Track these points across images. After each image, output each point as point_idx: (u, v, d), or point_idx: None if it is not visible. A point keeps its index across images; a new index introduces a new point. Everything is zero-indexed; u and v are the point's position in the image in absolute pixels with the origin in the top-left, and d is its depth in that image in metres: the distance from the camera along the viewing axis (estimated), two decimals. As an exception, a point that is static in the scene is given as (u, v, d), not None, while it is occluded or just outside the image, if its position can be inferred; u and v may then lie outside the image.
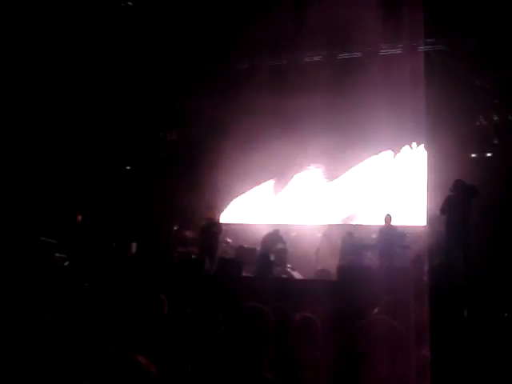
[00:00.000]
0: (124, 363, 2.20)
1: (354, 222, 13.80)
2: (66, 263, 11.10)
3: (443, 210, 9.61)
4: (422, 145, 13.88)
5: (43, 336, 3.49)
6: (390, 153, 14.30)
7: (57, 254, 11.15)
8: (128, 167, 15.61)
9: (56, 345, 3.41)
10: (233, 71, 15.64)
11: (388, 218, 11.61)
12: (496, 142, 12.84)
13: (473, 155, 13.03)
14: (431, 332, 3.10)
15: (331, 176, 14.77)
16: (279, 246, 12.73)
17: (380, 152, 14.39)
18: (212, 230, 12.47)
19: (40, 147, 13.56)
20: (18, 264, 8.95)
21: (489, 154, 13.00)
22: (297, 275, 12.01)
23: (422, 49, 13.54)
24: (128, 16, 13.70)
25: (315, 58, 14.70)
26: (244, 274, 11.69)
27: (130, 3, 13.77)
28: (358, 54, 14.18)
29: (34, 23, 12.68)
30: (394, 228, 11.59)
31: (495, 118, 12.89)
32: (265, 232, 13.63)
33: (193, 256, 12.48)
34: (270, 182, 15.37)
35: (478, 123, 12.95)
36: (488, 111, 12.97)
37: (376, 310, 3.53)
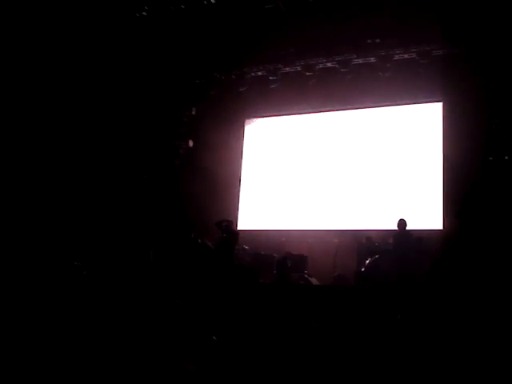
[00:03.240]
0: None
1: (371, 227, 13.75)
2: (85, 272, 11.17)
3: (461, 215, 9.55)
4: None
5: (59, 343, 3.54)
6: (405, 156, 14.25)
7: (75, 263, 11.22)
8: (145, 176, 15.69)
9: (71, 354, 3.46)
10: (247, 78, 15.72)
11: (402, 223, 11.48)
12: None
13: (490, 158, 12.94)
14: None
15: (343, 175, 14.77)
16: None
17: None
18: (229, 237, 12.50)
19: (58, 157, 13.68)
20: (38, 272, 9.03)
21: (506, 157, 12.92)
22: (314, 281, 12.01)
23: (436, 53, 13.52)
24: (143, 26, 13.83)
25: (329, 64, 14.71)
26: (261, 280, 11.72)
27: (144, 13, 13.89)
28: (372, 60, 14.16)
29: (51, 35, 12.82)
30: (409, 232, 11.47)
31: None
32: (282, 238, 13.69)
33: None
34: (287, 187, 15.39)
35: (493, 126, 12.87)
36: (504, 114, 12.89)
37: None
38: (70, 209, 13.44)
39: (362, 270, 11.53)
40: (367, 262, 11.65)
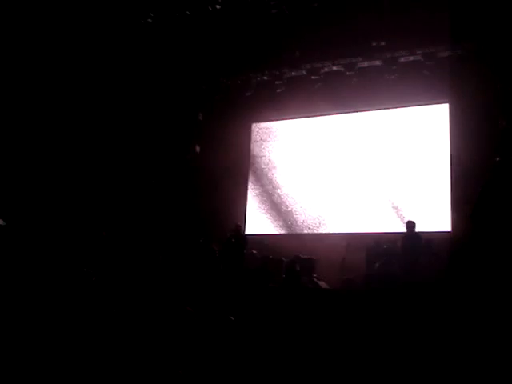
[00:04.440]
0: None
1: (379, 230, 13.71)
2: (94, 278, 11.20)
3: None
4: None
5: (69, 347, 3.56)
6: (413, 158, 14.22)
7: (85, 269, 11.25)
8: (152, 181, 15.73)
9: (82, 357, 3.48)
10: (253, 83, 15.77)
11: (410, 225, 11.41)
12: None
13: (497, 159, 12.90)
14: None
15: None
16: None
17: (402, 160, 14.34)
18: (237, 241, 12.52)
19: (67, 162, 13.76)
20: (48, 278, 9.07)
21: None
22: (323, 285, 11.99)
23: (441, 54, 13.52)
24: (149, 33, 13.90)
25: (334, 68, 14.74)
26: (270, 285, 11.71)
27: (149, 20, 13.97)
28: (378, 62, 14.17)
29: (60, 42, 12.92)
30: (418, 234, 11.41)
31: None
32: (290, 242, 13.67)
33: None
34: (295, 190, 15.38)
35: (500, 127, 12.84)
36: (511, 114, 12.86)
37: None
38: (79, 214, 13.50)
39: (371, 273, 11.50)
40: (376, 265, 11.61)
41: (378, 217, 13.99)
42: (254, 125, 16.44)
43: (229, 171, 15.02)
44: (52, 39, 12.83)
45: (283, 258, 12.92)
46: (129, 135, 14.94)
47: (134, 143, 15.06)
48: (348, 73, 14.55)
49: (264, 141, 16.27)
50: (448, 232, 12.82)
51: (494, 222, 9.36)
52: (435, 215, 13.31)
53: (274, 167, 15.82)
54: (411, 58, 13.89)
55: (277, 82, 15.45)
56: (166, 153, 15.88)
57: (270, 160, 15.98)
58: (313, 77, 14.96)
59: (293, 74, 15.25)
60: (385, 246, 12.19)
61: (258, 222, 15.60)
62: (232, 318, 4.23)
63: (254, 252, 13.91)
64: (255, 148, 16.32)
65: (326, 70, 14.87)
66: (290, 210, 15.19)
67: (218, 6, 13.27)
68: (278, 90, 15.40)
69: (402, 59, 13.97)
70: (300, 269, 12.03)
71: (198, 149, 16.42)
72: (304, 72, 15.10)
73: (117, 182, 14.76)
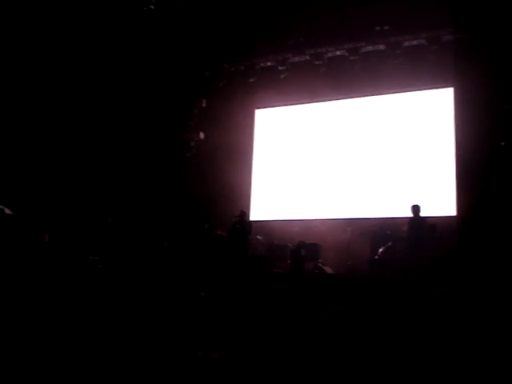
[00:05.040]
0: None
1: (384, 215, 13.71)
2: (100, 266, 11.27)
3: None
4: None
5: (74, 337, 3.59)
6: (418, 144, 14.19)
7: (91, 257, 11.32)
8: (157, 169, 15.75)
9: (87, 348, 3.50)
10: (256, 69, 15.73)
11: (415, 209, 11.40)
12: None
13: (502, 143, 12.86)
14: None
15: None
16: None
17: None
18: (242, 227, 12.55)
19: (70, 150, 13.79)
20: (53, 267, 9.12)
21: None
22: (328, 270, 12.04)
23: (446, 38, 13.45)
24: (151, 20, 13.85)
25: (338, 53, 14.70)
26: (276, 270, 11.77)
27: (152, 7, 13.91)
28: (382, 47, 14.12)
29: (61, 32, 12.90)
30: (423, 219, 11.41)
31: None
32: (295, 228, 13.74)
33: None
34: (298, 176, 15.38)
35: (504, 110, 12.78)
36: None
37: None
38: (84, 201, 13.55)
39: (376, 257, 11.53)
40: (380, 249, 11.64)
41: (383, 202, 13.98)
42: (257, 111, 16.41)
43: (233, 157, 15.01)
44: (51, 25, 12.80)
45: (288, 244, 12.97)
46: (132, 122, 14.93)
47: (138, 130, 15.07)
48: (352, 57, 14.50)
49: (268, 127, 16.24)
50: (453, 216, 12.80)
51: (500, 206, 9.37)
52: (440, 200, 13.29)
53: (278, 153, 15.81)
54: (415, 42, 13.82)
55: (280, 68, 15.41)
56: (170, 140, 15.89)
57: (273, 146, 15.96)
58: (316, 62, 14.92)
59: (296, 59, 15.19)
60: (388, 232, 12.21)
61: (262, 207, 15.62)
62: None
63: (259, 238, 13.96)
64: (259, 134, 16.30)
65: (330, 55, 14.82)
66: (295, 196, 15.19)
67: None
68: (282, 76, 15.37)
69: (406, 43, 13.90)
70: (305, 254, 12.09)
71: (202, 135, 16.42)
72: (307, 57, 15.05)
73: (121, 169, 14.78)
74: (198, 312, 3.85)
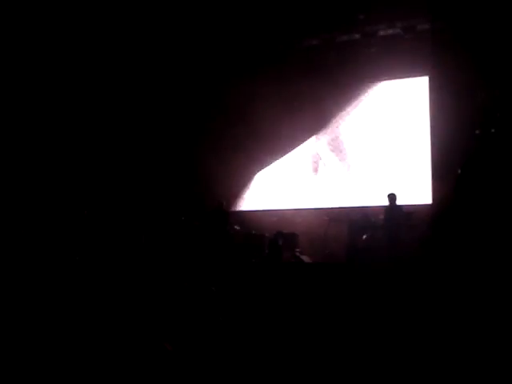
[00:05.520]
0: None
1: (361, 204, 13.79)
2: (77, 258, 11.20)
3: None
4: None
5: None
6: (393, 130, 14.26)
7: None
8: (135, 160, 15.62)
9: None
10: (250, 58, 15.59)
11: (392, 197, 11.53)
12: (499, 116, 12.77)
13: (477, 132, 12.96)
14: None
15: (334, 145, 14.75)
16: None
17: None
18: (220, 218, 12.54)
19: (63, 146, 13.71)
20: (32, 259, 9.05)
21: (493, 130, 12.93)
22: (306, 259, 12.09)
23: (421, 27, 13.50)
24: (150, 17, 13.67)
25: (314, 42, 14.68)
26: (253, 260, 11.78)
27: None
28: (357, 36, 14.13)
29: (69, 36, 12.83)
30: (399, 207, 11.54)
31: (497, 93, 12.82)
32: (273, 218, 13.76)
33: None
34: (276, 166, 15.37)
35: (479, 99, 12.88)
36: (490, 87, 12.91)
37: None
38: (60, 196, 13.45)
39: (353, 246, 11.59)
40: (364, 237, 11.71)
41: (360, 191, 14.06)
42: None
43: (210, 147, 14.95)
44: (53, 32, 12.71)
45: (266, 234, 12.99)
46: (115, 110, 14.82)
47: (120, 116, 14.94)
48: (326, 47, 14.48)
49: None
50: (428, 204, 12.92)
51: (475, 194, 9.47)
52: (416, 188, 13.41)
53: (256, 142, 15.76)
54: (390, 32, 13.85)
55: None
56: (155, 131, 15.75)
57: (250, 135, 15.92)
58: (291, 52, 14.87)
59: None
60: (372, 220, 12.21)
61: (240, 197, 15.61)
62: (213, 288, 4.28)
63: (237, 228, 13.96)
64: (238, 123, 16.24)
65: (305, 44, 14.78)
66: (272, 185, 15.21)
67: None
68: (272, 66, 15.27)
69: (382, 33, 13.91)
70: (283, 244, 12.12)
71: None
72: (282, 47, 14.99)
73: (98, 161, 14.66)
74: (168, 301, 3.85)
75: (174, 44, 14.57)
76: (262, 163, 15.50)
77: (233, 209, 15.00)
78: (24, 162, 13.16)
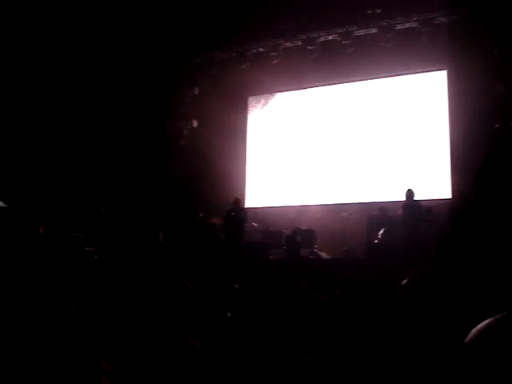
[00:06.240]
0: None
1: (379, 200, 13.69)
2: (96, 257, 11.24)
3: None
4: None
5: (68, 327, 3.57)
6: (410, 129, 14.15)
7: (86, 248, 11.29)
8: (152, 158, 15.66)
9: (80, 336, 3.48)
10: (248, 55, 15.63)
11: (410, 193, 11.41)
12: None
13: (496, 125, 12.82)
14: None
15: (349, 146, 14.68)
16: None
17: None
18: (237, 215, 12.52)
19: (63, 141, 13.73)
20: (49, 259, 9.10)
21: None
22: (324, 255, 12.05)
23: (438, 21, 13.38)
24: (140, 5, 13.70)
25: (330, 37, 14.61)
26: (272, 257, 11.77)
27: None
28: (374, 30, 14.03)
29: (48, 29, 12.83)
30: (418, 203, 11.42)
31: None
32: (290, 214, 13.73)
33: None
34: (292, 163, 15.34)
35: (498, 93, 12.73)
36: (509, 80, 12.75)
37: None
38: (78, 194, 13.50)
39: (376, 241, 11.51)
40: (380, 233, 11.62)
41: (378, 186, 13.97)
42: (250, 98, 16.35)
43: (226, 145, 14.95)
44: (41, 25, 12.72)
45: (284, 230, 12.96)
46: (124, 113, 14.84)
47: (131, 121, 14.98)
48: (344, 42, 14.42)
49: (261, 113, 16.19)
50: (448, 199, 12.81)
51: (496, 189, 9.34)
52: (435, 183, 13.30)
53: (272, 140, 15.77)
54: (407, 25, 13.75)
55: (272, 54, 15.31)
56: (164, 129, 15.82)
57: (267, 132, 15.91)
58: (309, 47, 14.83)
59: (288, 44, 15.11)
60: (390, 215, 12.12)
61: (257, 194, 15.60)
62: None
63: (255, 225, 13.94)
64: (252, 120, 16.25)
65: (322, 39, 14.73)
66: (289, 182, 15.17)
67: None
68: (274, 62, 15.28)
69: (399, 26, 13.82)
70: (300, 240, 12.09)
71: (195, 124, 16.36)
72: (300, 42, 14.96)
73: (115, 159, 14.71)
74: (180, 300, 3.83)
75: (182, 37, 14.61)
76: (279, 159, 15.48)
77: (250, 205, 14.99)
78: (38, 161, 13.24)
